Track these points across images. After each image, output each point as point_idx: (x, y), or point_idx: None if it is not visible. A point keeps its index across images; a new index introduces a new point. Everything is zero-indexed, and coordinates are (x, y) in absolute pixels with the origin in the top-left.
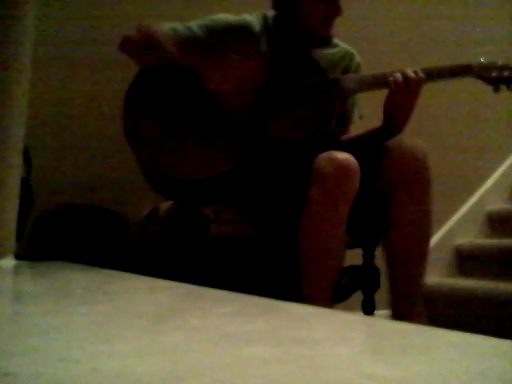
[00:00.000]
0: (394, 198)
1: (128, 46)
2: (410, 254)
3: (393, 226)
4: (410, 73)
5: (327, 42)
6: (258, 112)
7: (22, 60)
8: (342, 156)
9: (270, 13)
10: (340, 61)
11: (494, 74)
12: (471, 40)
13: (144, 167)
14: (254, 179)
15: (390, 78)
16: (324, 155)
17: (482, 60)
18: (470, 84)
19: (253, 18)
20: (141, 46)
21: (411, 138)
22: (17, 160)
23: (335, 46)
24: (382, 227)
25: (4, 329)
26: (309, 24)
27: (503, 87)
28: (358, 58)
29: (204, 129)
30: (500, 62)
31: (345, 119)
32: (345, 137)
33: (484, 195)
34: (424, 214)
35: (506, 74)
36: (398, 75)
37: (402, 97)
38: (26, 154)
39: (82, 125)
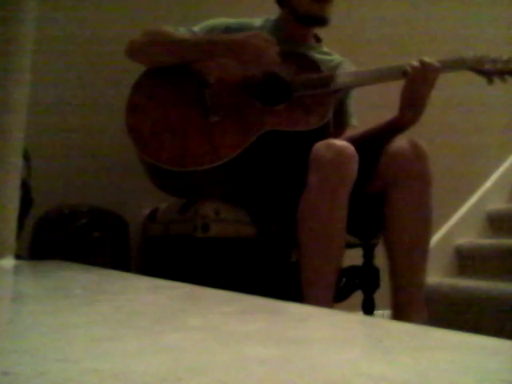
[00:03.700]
0: (393, 196)
1: (135, 48)
2: (411, 251)
3: (392, 222)
4: (427, 60)
5: (325, 21)
6: (257, 106)
7: (22, 60)
8: (340, 143)
9: (274, 17)
10: (338, 66)
11: (487, 67)
12: (470, 40)
13: (147, 164)
14: (254, 171)
15: (408, 67)
16: (322, 142)
17: (474, 53)
18: (470, 84)
19: (253, 21)
20: (147, 47)
21: (412, 137)
22: (17, 160)
23: (331, 54)
24: (380, 223)
25: (4, 329)
26: (301, 4)
27: (497, 80)
28: (353, 66)
29: (205, 122)
30: (493, 55)
31: (341, 123)
32: (351, 133)
33: (484, 195)
34: (424, 211)
35: (498, 66)
36: (416, 63)
37: (420, 84)
38: (26, 155)
39: (81, 125)
